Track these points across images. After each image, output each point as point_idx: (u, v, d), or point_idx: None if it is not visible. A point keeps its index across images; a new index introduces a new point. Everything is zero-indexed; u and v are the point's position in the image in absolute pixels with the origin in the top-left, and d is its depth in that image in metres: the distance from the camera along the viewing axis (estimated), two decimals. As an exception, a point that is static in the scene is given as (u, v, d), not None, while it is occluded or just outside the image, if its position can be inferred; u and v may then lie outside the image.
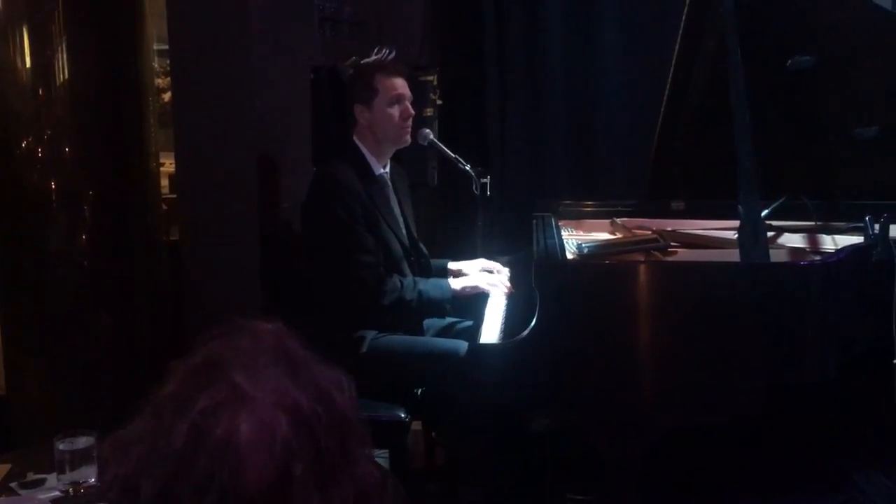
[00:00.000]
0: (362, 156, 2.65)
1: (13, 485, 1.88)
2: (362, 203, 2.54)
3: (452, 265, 2.86)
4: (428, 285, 2.59)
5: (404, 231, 2.73)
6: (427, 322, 2.76)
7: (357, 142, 2.66)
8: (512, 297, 2.66)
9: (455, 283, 2.63)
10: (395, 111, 2.61)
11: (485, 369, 2.21)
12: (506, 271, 2.81)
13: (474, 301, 2.66)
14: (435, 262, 2.88)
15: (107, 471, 0.81)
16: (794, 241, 2.70)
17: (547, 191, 3.87)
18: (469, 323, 2.75)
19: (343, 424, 0.82)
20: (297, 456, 0.76)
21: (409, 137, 2.68)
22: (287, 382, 0.80)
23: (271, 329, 0.86)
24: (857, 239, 2.51)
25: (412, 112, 2.65)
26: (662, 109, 2.80)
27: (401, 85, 2.63)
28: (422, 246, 2.82)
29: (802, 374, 2.16)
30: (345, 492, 0.79)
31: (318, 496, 0.77)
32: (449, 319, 2.80)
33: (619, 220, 2.98)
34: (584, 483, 2.73)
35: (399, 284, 2.53)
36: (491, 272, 2.79)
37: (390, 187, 2.73)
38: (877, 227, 2.36)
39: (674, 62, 2.69)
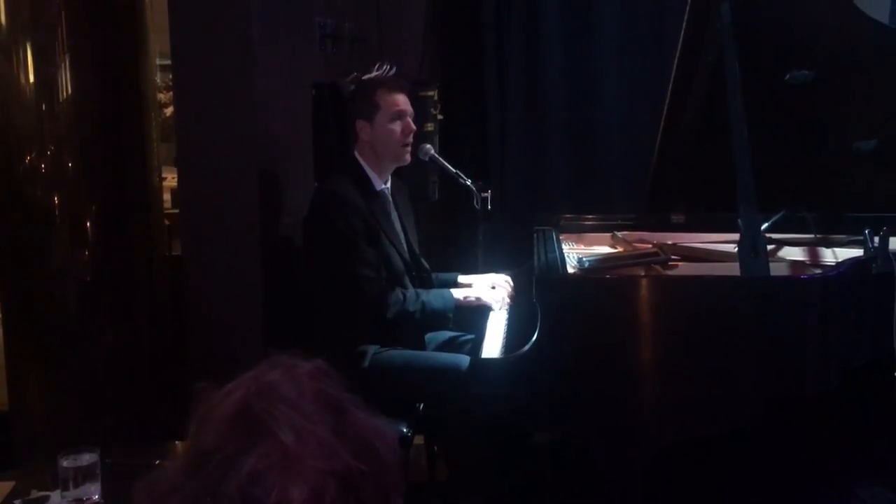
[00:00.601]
0: (363, 171, 2.66)
1: (17, 502, 1.88)
2: (363, 218, 2.54)
3: (462, 279, 2.86)
4: (431, 296, 2.60)
5: (405, 246, 2.73)
6: (429, 336, 2.76)
7: (358, 157, 2.67)
8: (513, 312, 2.66)
9: (458, 293, 2.64)
10: (396, 127, 2.61)
11: (486, 384, 2.22)
12: (507, 285, 2.81)
13: (476, 315, 2.66)
14: (444, 275, 2.88)
15: None
16: (794, 254, 2.71)
17: (547, 205, 3.88)
18: (470, 337, 2.75)
19: (385, 477, 0.81)
20: None
21: (409, 156, 2.69)
22: (333, 440, 0.78)
23: (311, 371, 0.84)
24: (856, 252, 2.52)
25: (413, 128, 2.65)
26: (662, 123, 2.81)
27: (402, 101, 2.64)
28: (423, 261, 2.83)
29: (803, 386, 2.16)
30: None
31: None
32: (450, 333, 2.80)
33: (619, 234, 2.98)
34: (585, 496, 2.72)
35: (402, 297, 2.54)
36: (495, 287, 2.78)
37: (391, 203, 2.73)
38: (876, 239, 2.36)
39: (673, 76, 2.70)
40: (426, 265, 2.83)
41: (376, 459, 0.80)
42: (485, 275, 2.85)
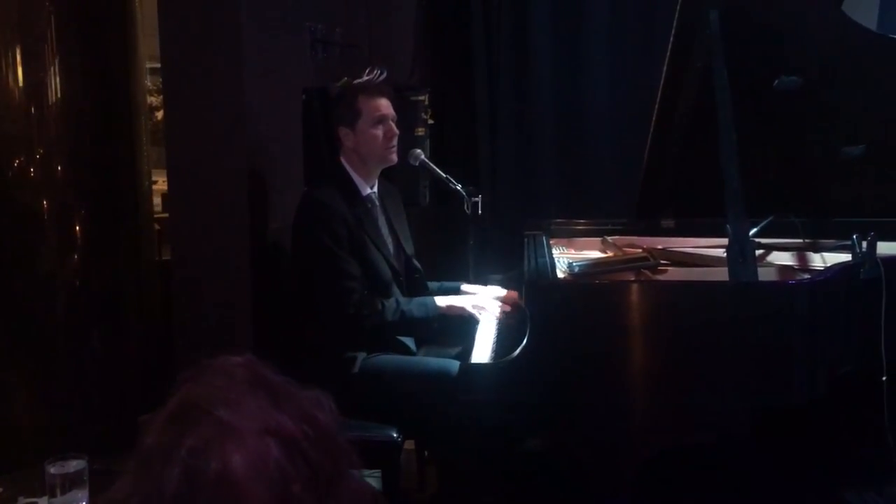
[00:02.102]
0: (349, 177, 2.66)
1: (3, 508, 1.87)
2: (348, 226, 2.53)
3: (467, 288, 2.83)
4: (412, 304, 2.57)
5: (392, 251, 2.72)
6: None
7: (344, 163, 2.67)
8: (503, 317, 2.65)
9: (441, 301, 2.60)
10: (378, 131, 2.61)
11: (476, 389, 2.22)
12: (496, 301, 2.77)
13: (466, 320, 2.65)
14: (447, 284, 2.87)
15: None
16: (783, 259, 2.72)
17: (538, 210, 3.89)
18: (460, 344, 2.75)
19: (330, 441, 0.82)
20: (293, 477, 0.77)
21: (395, 156, 2.68)
22: (268, 408, 0.80)
23: (241, 361, 0.85)
24: (844, 257, 2.53)
25: (396, 132, 2.65)
26: (651, 129, 2.82)
27: (384, 105, 2.64)
28: (416, 263, 2.82)
29: (791, 392, 2.17)
30: (342, 502, 0.80)
31: None
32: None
33: (609, 239, 2.99)
34: (577, 502, 2.72)
35: (380, 307, 2.52)
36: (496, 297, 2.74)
37: (378, 207, 2.73)
38: (864, 244, 2.38)
39: (662, 82, 2.71)
40: (418, 266, 2.82)
41: (317, 425, 0.81)
42: (489, 286, 2.81)
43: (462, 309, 2.61)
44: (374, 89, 2.67)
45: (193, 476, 0.75)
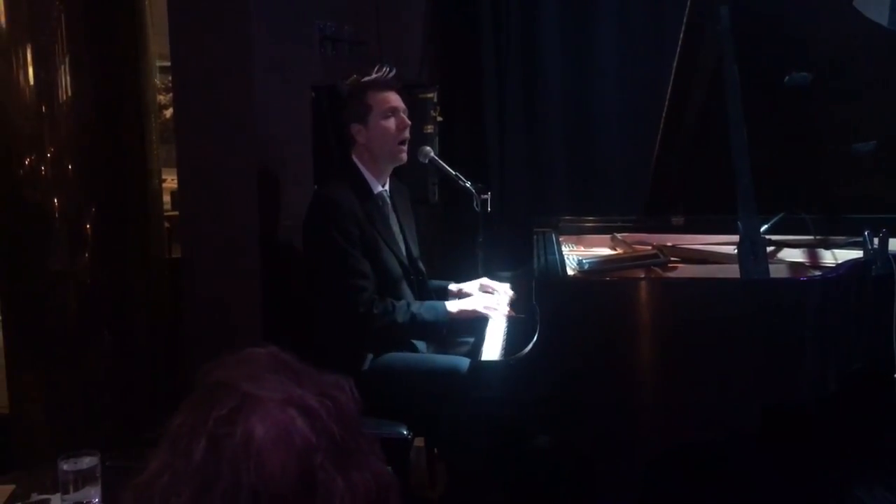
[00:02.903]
0: (361, 175, 2.66)
1: (17, 505, 1.88)
2: (359, 224, 2.54)
3: (453, 287, 2.84)
4: (422, 308, 2.57)
5: (403, 250, 2.73)
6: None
7: (356, 160, 2.67)
8: (516, 312, 2.64)
9: (451, 306, 2.60)
10: (390, 124, 2.62)
11: (486, 386, 2.21)
12: (505, 288, 2.79)
13: (475, 318, 2.65)
14: (435, 283, 2.86)
15: None
16: (794, 255, 2.71)
17: (547, 206, 3.88)
18: (470, 339, 2.75)
19: (350, 418, 0.84)
20: (315, 445, 0.78)
21: (405, 155, 2.69)
22: (290, 384, 0.82)
23: (265, 351, 0.88)
24: (856, 253, 2.52)
25: (408, 122, 2.65)
26: (661, 125, 2.81)
27: (394, 98, 2.64)
28: (420, 264, 2.82)
29: (801, 390, 2.16)
30: (366, 477, 0.81)
31: (342, 481, 0.79)
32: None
33: (619, 236, 2.98)
34: (584, 500, 2.72)
35: (391, 308, 2.51)
36: (491, 292, 2.76)
37: (389, 205, 2.73)
38: (876, 241, 2.36)
39: (672, 78, 2.70)
40: (423, 269, 2.82)
41: (337, 401, 0.83)
42: (474, 281, 2.81)
43: (473, 312, 2.60)
44: (382, 83, 2.68)
45: (219, 444, 0.77)
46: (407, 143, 2.67)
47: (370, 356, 2.53)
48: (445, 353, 2.71)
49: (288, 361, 0.87)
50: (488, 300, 2.65)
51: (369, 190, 2.65)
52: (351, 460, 0.81)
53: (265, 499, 0.75)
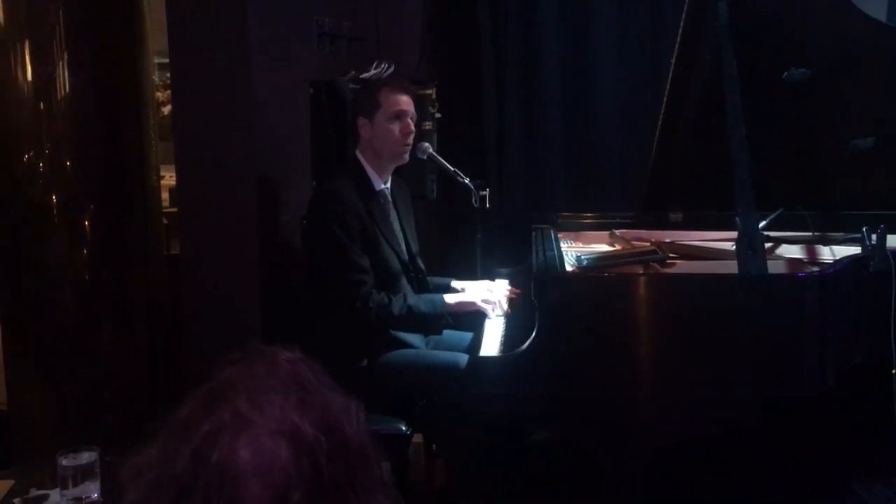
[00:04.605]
0: (363, 171, 2.66)
1: (16, 501, 1.89)
2: (360, 219, 2.54)
3: (456, 284, 2.84)
4: (420, 300, 2.56)
5: (403, 247, 2.72)
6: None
7: (359, 156, 2.67)
8: (512, 310, 2.64)
9: (450, 299, 2.60)
10: (395, 127, 2.60)
11: (485, 382, 2.22)
12: (506, 285, 2.78)
13: (474, 314, 2.65)
14: (438, 279, 2.86)
15: (123, 497, 0.81)
16: (792, 251, 2.71)
17: (545, 203, 3.88)
18: (468, 335, 2.75)
19: (349, 453, 0.82)
20: (296, 484, 0.76)
21: (408, 155, 2.68)
22: (291, 410, 0.80)
23: (289, 358, 0.86)
24: (854, 249, 2.52)
25: (412, 129, 2.64)
26: (660, 121, 2.82)
27: (405, 102, 2.62)
28: (419, 261, 2.82)
29: (800, 385, 2.17)
30: None
31: None
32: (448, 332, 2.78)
33: (617, 232, 2.99)
34: (583, 496, 2.73)
35: (387, 301, 2.51)
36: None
37: (390, 203, 2.73)
38: (874, 237, 2.37)
39: (671, 74, 2.71)
40: (422, 267, 2.82)
41: (339, 433, 0.81)
42: (479, 281, 2.81)
43: (472, 304, 2.60)
44: (397, 84, 2.66)
45: (200, 459, 0.76)
46: (411, 142, 2.66)
47: (369, 352, 2.53)
48: (445, 347, 2.71)
49: (303, 378, 0.84)
50: (487, 295, 2.64)
51: (371, 187, 2.65)
52: (335, 499, 0.79)
53: None
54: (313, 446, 0.78)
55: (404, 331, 2.60)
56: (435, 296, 2.63)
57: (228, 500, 0.75)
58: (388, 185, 2.72)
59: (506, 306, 2.61)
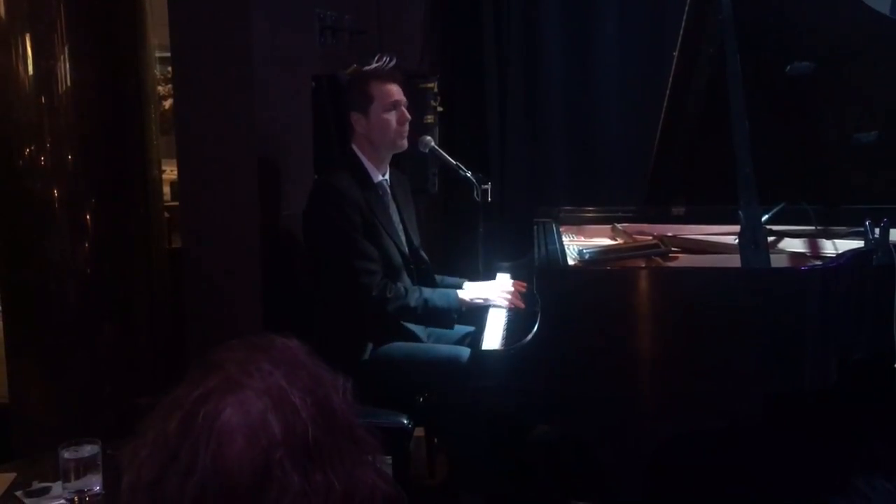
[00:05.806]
0: (361, 163, 2.66)
1: (18, 493, 1.89)
2: (361, 211, 2.54)
3: (468, 285, 2.83)
4: (434, 294, 2.56)
5: (403, 239, 2.72)
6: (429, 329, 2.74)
7: (355, 149, 2.67)
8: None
9: (464, 294, 2.59)
10: (391, 117, 2.61)
11: (486, 376, 2.22)
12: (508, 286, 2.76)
13: (478, 309, 2.65)
14: (450, 279, 2.86)
15: (122, 479, 0.82)
16: (795, 245, 2.71)
17: (548, 197, 3.88)
18: (471, 329, 2.75)
19: (335, 421, 0.83)
20: (279, 441, 0.78)
21: (406, 142, 2.68)
22: (280, 377, 0.82)
23: (283, 342, 0.88)
24: (857, 243, 2.52)
25: (408, 117, 2.65)
26: (662, 115, 2.81)
27: (396, 91, 2.64)
28: (423, 253, 2.81)
29: (803, 377, 2.16)
30: (330, 481, 0.80)
31: (300, 481, 0.78)
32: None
33: (620, 226, 2.98)
34: (586, 490, 2.73)
35: (403, 291, 2.52)
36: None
37: (389, 195, 2.73)
38: (877, 231, 2.36)
39: (673, 68, 2.69)
40: (426, 258, 2.82)
41: (326, 402, 0.83)
42: (491, 282, 2.79)
43: (486, 301, 2.60)
44: (385, 75, 2.67)
45: (190, 421, 0.78)
46: (407, 129, 2.66)
47: (370, 345, 2.53)
48: (446, 340, 2.70)
49: (296, 357, 0.86)
50: (502, 291, 2.63)
51: (369, 179, 2.65)
52: (320, 462, 0.80)
53: (213, 481, 0.76)
54: (299, 409, 0.80)
55: (417, 323, 2.60)
56: (449, 291, 2.62)
57: (213, 455, 0.76)
58: (387, 176, 2.72)
59: (519, 301, 2.59)
